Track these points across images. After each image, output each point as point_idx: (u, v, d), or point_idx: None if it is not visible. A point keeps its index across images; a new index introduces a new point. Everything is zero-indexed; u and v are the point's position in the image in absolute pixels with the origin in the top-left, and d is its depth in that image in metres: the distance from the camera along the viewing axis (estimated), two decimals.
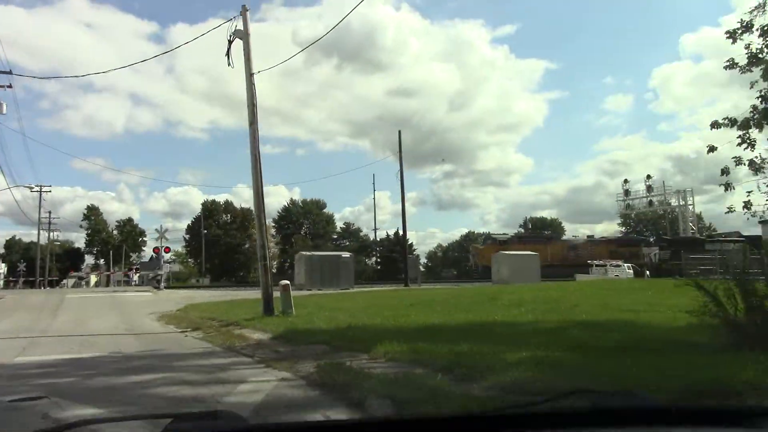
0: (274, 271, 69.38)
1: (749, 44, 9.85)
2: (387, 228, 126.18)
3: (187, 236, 77.97)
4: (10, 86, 33.11)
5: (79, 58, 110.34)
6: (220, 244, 74.88)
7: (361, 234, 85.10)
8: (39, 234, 64.15)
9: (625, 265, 44.33)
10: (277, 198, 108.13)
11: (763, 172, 10.14)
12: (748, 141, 10.00)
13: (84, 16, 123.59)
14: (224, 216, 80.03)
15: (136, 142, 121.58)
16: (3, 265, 68.37)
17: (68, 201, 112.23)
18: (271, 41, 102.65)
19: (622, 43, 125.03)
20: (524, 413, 1.84)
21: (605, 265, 43.84)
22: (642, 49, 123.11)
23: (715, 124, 10.19)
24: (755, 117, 9.95)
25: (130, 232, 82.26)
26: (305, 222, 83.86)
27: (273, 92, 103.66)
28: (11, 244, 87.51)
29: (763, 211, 10.46)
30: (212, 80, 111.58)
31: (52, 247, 73.21)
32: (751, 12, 9.73)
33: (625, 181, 60.99)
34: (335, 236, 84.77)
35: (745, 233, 40.35)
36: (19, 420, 4.83)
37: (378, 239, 76.70)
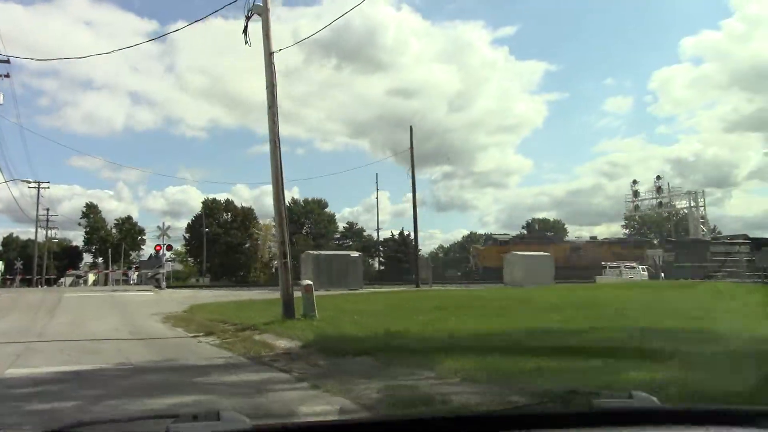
0: (273, 271, 68.59)
1: None
2: (388, 228, 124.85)
3: (186, 235, 76.61)
4: (7, 75, 32.03)
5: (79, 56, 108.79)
6: (220, 243, 73.54)
7: (365, 234, 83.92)
8: (37, 231, 63.09)
9: (640, 267, 43.33)
10: None
11: None
12: None
13: (84, 14, 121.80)
14: (225, 215, 78.71)
15: (135, 140, 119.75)
16: (0, 262, 67.08)
17: (66, 199, 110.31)
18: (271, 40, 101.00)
19: (621, 46, 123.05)
20: (524, 413, 1.85)
21: (619, 267, 42.77)
22: (642, 51, 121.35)
23: None
24: None
25: (129, 231, 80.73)
26: (306, 221, 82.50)
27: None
28: (8, 241, 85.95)
29: None
30: (213, 79, 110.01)
31: (50, 245, 71.99)
32: None
33: (634, 182, 60.39)
34: (337, 236, 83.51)
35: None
36: None
37: (380, 239, 75.55)
